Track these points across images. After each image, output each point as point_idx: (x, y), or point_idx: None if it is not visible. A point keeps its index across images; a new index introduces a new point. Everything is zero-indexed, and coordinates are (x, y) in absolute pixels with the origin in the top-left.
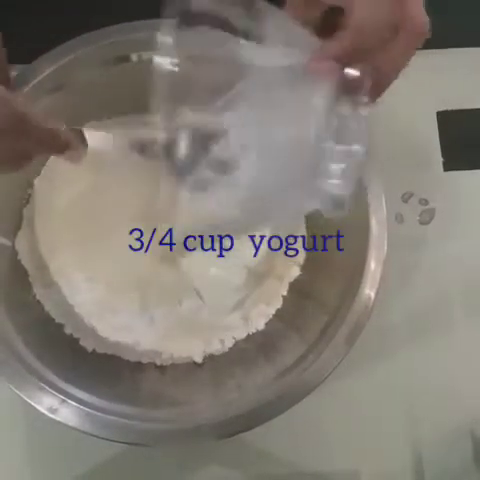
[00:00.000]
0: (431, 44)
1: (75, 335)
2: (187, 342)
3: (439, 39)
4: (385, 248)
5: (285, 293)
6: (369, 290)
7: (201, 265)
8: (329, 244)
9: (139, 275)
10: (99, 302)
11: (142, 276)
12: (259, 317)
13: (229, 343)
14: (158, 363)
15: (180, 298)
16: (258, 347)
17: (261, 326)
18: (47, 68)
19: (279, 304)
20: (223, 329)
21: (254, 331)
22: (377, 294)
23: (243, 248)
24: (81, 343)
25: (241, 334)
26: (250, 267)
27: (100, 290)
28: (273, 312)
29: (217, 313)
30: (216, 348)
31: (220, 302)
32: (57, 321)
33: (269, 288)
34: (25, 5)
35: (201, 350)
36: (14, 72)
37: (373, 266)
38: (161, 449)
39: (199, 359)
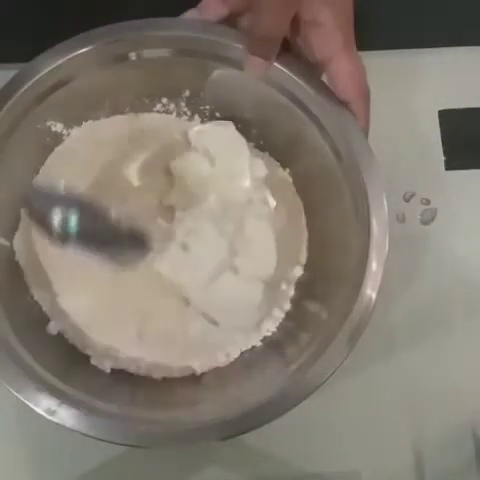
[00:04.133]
0: (433, 42)
1: (71, 341)
2: (190, 361)
3: (441, 37)
4: (386, 249)
5: (292, 295)
6: (370, 291)
7: (212, 289)
8: (329, 244)
9: (136, 306)
10: (94, 314)
11: (139, 308)
12: (272, 323)
13: (235, 355)
14: (155, 376)
15: (185, 327)
16: (260, 350)
17: (272, 332)
18: (46, 67)
19: (288, 306)
20: (231, 343)
21: (263, 338)
22: (378, 295)
23: (253, 260)
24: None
25: (249, 344)
26: (266, 279)
27: (94, 303)
28: (283, 316)
29: (235, 333)
30: (221, 361)
31: (239, 324)
32: (51, 322)
33: (280, 291)
34: (25, 3)
35: (205, 366)
36: (14, 70)
37: (374, 267)
38: (161, 451)
39: (200, 371)
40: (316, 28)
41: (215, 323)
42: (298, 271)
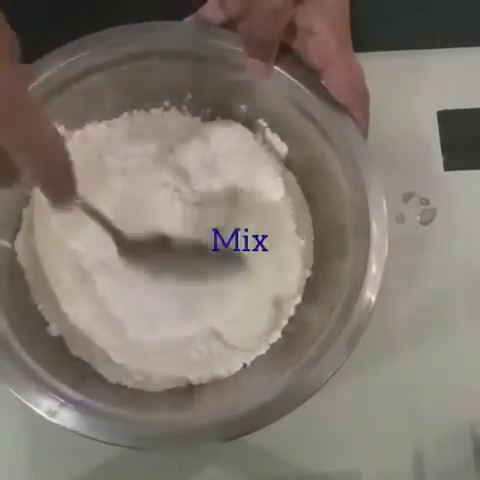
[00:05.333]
0: (432, 43)
1: (69, 345)
2: (187, 373)
3: (440, 38)
4: (386, 251)
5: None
6: (370, 293)
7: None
8: (329, 247)
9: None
10: (94, 319)
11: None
12: (277, 332)
13: (237, 368)
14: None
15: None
16: (261, 356)
17: (278, 337)
18: (47, 70)
19: (292, 312)
20: (234, 358)
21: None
22: (378, 296)
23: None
24: (73, 352)
25: (253, 356)
26: (277, 299)
27: (95, 308)
28: (287, 322)
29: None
30: (221, 375)
31: (245, 336)
32: (52, 325)
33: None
34: (26, 6)
35: (203, 380)
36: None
37: (374, 269)
38: (161, 451)
39: (197, 383)
40: (311, 36)
41: (220, 336)
42: (306, 274)
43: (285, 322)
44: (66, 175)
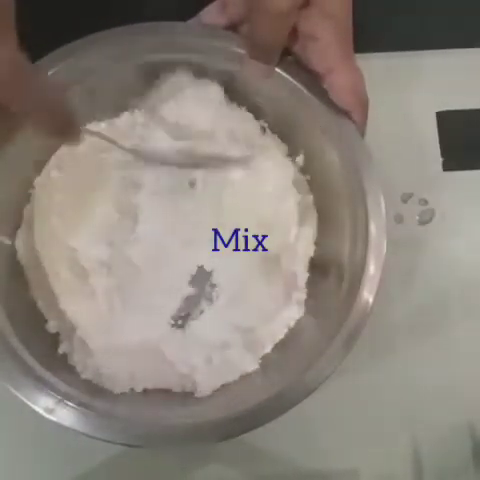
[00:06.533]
0: (431, 44)
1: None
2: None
3: (439, 39)
4: (384, 251)
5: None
6: (368, 294)
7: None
8: (327, 246)
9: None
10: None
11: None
12: (283, 328)
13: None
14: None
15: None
16: (266, 354)
17: (284, 332)
18: (50, 69)
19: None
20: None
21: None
22: (376, 299)
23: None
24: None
25: (261, 354)
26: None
27: (94, 307)
28: (293, 323)
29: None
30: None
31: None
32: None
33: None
34: (26, 7)
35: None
36: None
37: (372, 270)
38: (161, 449)
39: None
40: (313, 42)
41: (238, 326)
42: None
43: (291, 322)
44: (66, 115)
